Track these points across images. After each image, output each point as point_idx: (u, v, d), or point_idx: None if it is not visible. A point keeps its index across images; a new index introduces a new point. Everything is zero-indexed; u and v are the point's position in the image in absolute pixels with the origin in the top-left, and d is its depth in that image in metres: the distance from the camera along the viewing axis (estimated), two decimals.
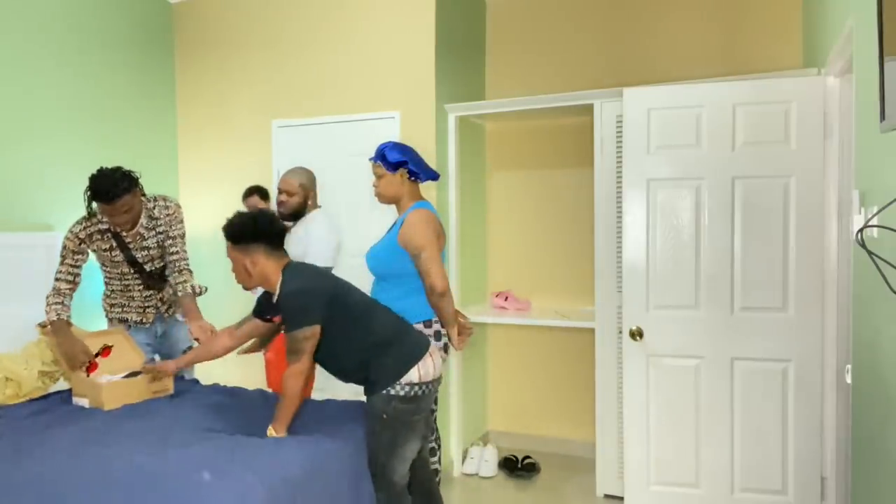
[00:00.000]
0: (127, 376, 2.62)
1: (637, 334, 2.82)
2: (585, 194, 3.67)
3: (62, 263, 2.73)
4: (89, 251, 2.79)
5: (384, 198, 2.64)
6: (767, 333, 2.69)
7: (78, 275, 2.76)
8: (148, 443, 2.05)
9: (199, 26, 4.03)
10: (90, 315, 3.10)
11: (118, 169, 2.62)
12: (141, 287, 2.91)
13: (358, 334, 2.20)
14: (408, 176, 2.60)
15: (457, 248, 3.51)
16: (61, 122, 3.39)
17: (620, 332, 3.10)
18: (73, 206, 3.26)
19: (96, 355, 2.69)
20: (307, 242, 3.04)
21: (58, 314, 2.66)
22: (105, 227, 2.74)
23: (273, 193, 3.54)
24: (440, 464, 2.75)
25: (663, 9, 3.56)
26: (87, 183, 2.59)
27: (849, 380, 2.07)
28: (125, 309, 2.94)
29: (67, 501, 1.73)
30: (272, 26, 3.79)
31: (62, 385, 2.75)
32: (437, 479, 2.61)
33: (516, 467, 3.53)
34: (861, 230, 1.43)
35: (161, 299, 2.98)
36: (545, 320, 3.41)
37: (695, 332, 2.78)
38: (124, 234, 2.76)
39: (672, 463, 2.83)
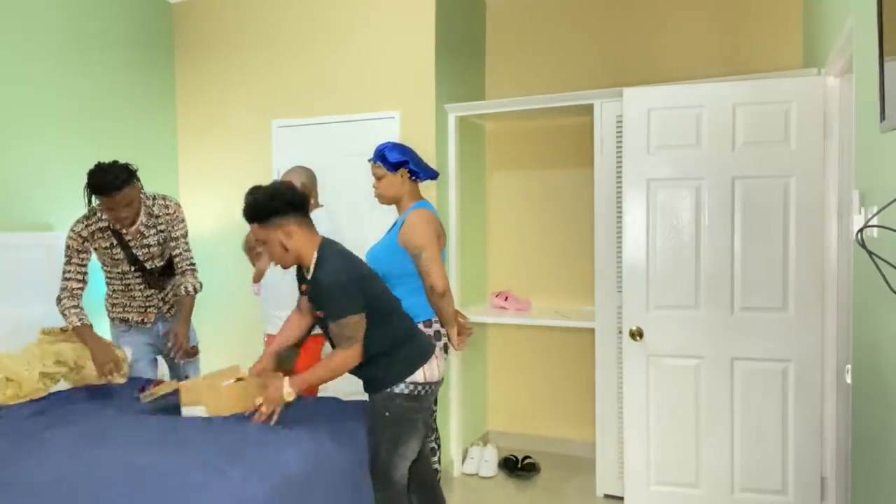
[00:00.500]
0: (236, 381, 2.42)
1: (637, 334, 2.82)
2: (585, 194, 3.67)
3: (69, 263, 2.73)
4: (92, 249, 2.79)
5: (385, 199, 2.64)
6: (767, 333, 2.69)
7: (86, 273, 2.77)
8: (148, 443, 2.05)
9: (198, 26, 4.03)
10: (90, 315, 3.08)
11: (116, 163, 2.62)
12: (142, 286, 2.91)
13: (378, 330, 2.16)
14: (408, 176, 2.59)
15: (457, 248, 3.51)
16: (61, 122, 3.39)
17: (620, 332, 3.10)
18: (73, 205, 3.27)
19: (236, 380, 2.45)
20: None
21: (80, 319, 2.69)
22: (105, 224, 2.74)
23: None
24: (440, 464, 2.75)
25: (663, 9, 3.56)
26: (86, 180, 2.59)
27: (849, 380, 2.07)
28: (126, 309, 2.95)
29: (67, 502, 1.72)
30: (272, 26, 3.79)
31: (62, 386, 2.75)
32: (438, 478, 2.61)
33: (516, 467, 3.53)
34: (861, 230, 1.43)
35: (162, 299, 2.99)
36: (545, 320, 3.41)
37: (695, 332, 2.78)
38: (124, 231, 2.76)
39: (672, 463, 2.83)
